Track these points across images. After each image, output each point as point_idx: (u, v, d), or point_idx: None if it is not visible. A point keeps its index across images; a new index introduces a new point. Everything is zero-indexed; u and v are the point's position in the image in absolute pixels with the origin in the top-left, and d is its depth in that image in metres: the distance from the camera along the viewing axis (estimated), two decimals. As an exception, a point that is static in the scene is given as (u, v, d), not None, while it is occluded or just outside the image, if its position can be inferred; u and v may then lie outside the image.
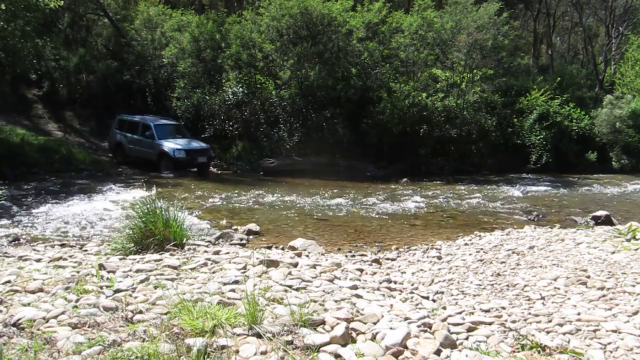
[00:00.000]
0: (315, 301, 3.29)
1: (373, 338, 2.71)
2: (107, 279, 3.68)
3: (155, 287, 3.47)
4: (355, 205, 10.53)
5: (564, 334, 2.92)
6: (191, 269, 4.07)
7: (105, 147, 20.92)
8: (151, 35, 22.37)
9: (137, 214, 4.97)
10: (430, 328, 2.92)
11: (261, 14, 19.72)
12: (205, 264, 4.23)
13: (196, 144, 15.64)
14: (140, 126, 15.76)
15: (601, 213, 7.97)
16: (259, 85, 19.33)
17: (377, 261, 5.07)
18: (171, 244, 4.86)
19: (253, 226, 7.41)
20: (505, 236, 6.71)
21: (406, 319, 3.10)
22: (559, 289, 3.84)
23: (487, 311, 3.43)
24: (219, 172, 18.59)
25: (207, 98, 19.66)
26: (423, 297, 3.79)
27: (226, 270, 4.06)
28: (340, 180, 15.21)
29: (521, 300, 3.65)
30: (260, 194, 12.01)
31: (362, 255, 5.58)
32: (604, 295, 3.61)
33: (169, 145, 14.84)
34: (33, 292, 3.32)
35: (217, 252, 4.83)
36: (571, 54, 41.12)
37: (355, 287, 3.80)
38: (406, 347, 2.58)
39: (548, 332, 2.97)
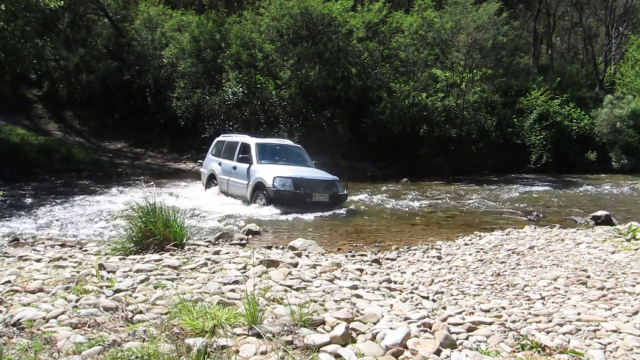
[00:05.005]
0: (315, 301, 3.29)
1: (373, 338, 2.71)
2: (107, 279, 3.68)
3: (155, 287, 3.47)
4: (355, 205, 10.53)
5: (564, 334, 2.92)
6: (191, 269, 4.07)
7: (105, 147, 20.99)
8: (151, 35, 22.40)
9: (137, 214, 4.97)
10: (430, 328, 2.92)
11: (261, 14, 19.74)
12: (205, 264, 4.23)
13: (316, 174, 10.17)
14: (239, 148, 10.73)
15: (601, 213, 7.97)
16: (259, 85, 19.34)
17: (377, 261, 5.07)
18: (171, 244, 4.86)
19: (253, 226, 7.41)
20: (505, 236, 6.70)
21: (406, 319, 3.10)
22: (559, 289, 3.84)
23: (487, 311, 3.43)
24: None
25: (207, 98, 19.68)
26: (423, 297, 3.79)
27: (226, 270, 4.06)
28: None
29: (521, 300, 3.65)
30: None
31: (362, 255, 5.58)
32: (604, 295, 3.61)
33: (269, 171, 9.60)
34: (33, 292, 3.32)
35: (217, 252, 4.83)
36: (571, 54, 41.13)
37: (355, 287, 3.80)
38: (406, 347, 2.58)
39: (548, 332, 2.97)
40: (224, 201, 10.33)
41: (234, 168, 10.49)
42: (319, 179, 9.90)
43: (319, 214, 9.16)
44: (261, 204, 9.52)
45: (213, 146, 12.00)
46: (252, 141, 10.62)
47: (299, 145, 11.88)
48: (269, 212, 9.12)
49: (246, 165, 10.06)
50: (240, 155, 10.34)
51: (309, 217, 8.94)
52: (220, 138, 12.03)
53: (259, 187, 9.59)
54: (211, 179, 11.55)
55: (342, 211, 9.66)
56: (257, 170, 9.80)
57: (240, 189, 10.19)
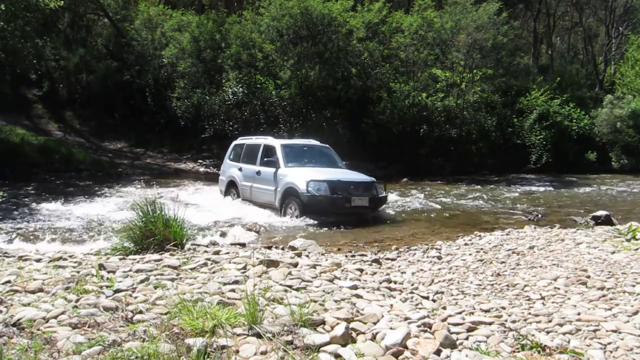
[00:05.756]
0: (315, 301, 3.29)
1: (373, 338, 2.71)
2: (107, 279, 3.68)
3: (155, 287, 3.47)
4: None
5: (564, 334, 2.92)
6: (191, 269, 4.07)
7: (105, 147, 21.00)
8: (151, 35, 22.40)
9: (137, 214, 4.97)
10: (430, 328, 2.92)
11: (261, 14, 19.74)
12: (205, 264, 4.23)
13: (352, 176, 9.14)
14: (262, 150, 9.80)
15: (601, 213, 7.96)
16: (259, 85, 19.34)
17: (377, 261, 5.07)
18: (171, 244, 4.86)
19: (253, 226, 7.41)
20: (505, 236, 6.70)
21: (406, 319, 3.10)
22: (559, 289, 3.84)
23: (487, 311, 3.43)
24: (219, 172, 18.61)
25: (207, 98, 19.68)
26: (423, 297, 3.79)
27: (226, 270, 4.07)
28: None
29: (521, 300, 3.65)
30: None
31: (362, 255, 5.58)
32: (604, 295, 3.61)
33: (301, 175, 8.66)
34: (33, 292, 3.32)
35: (217, 252, 4.83)
36: (571, 54, 41.13)
37: (355, 287, 3.80)
38: (406, 347, 2.58)
39: (548, 332, 2.97)
40: (246, 211, 9.29)
41: (258, 173, 9.57)
42: (357, 181, 8.83)
43: (357, 220, 8.37)
44: (293, 214, 8.52)
45: (231, 150, 11.02)
46: (276, 143, 9.64)
47: (327, 146, 10.82)
48: (302, 223, 8.19)
49: (272, 170, 9.12)
50: (265, 159, 9.38)
51: (352, 226, 8.05)
52: (239, 141, 11.04)
53: (290, 193, 8.58)
54: (231, 186, 10.54)
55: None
56: (287, 174, 8.78)
57: (266, 196, 9.24)
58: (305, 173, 8.70)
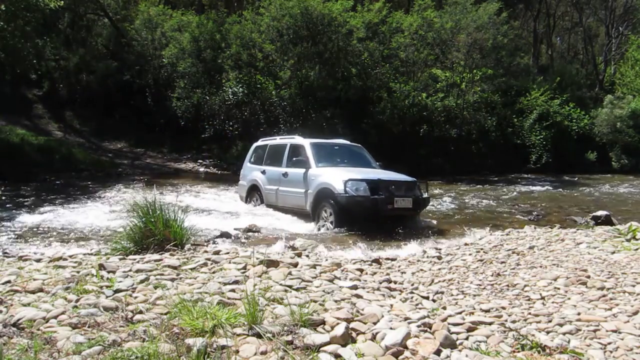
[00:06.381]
0: (315, 301, 3.29)
1: (373, 338, 2.71)
2: (107, 279, 3.68)
3: (155, 287, 3.47)
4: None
5: (564, 334, 2.92)
6: (191, 269, 4.07)
7: (105, 147, 21.00)
8: (151, 35, 22.41)
9: (137, 214, 4.97)
10: (430, 328, 2.92)
11: (261, 14, 19.75)
12: (205, 264, 4.23)
13: (392, 175, 8.27)
14: (288, 150, 9.06)
15: (601, 213, 7.96)
16: (259, 85, 19.36)
17: (377, 261, 5.07)
18: (171, 244, 4.85)
19: (253, 226, 7.41)
20: (505, 236, 6.70)
21: (406, 319, 3.10)
22: (559, 289, 3.84)
23: (487, 311, 3.43)
24: (219, 172, 18.61)
25: (207, 98, 19.69)
26: (423, 297, 3.79)
27: (226, 270, 4.07)
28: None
29: (521, 300, 3.65)
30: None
31: (362, 254, 5.57)
32: (604, 295, 3.61)
33: (336, 174, 7.76)
34: (33, 292, 3.32)
35: (217, 252, 4.83)
36: (571, 54, 41.15)
37: (355, 287, 3.80)
38: (406, 347, 2.58)
39: (548, 332, 2.97)
40: (272, 219, 8.37)
41: (284, 175, 8.75)
42: (399, 180, 7.93)
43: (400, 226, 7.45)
44: (327, 218, 7.56)
45: (252, 153, 10.27)
46: (305, 142, 8.84)
47: (359, 145, 10.15)
48: (337, 231, 7.21)
49: (301, 171, 8.28)
50: (293, 159, 8.60)
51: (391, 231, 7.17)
52: (260, 142, 10.29)
53: (324, 194, 7.65)
54: (253, 191, 9.68)
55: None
56: (320, 174, 7.93)
57: (296, 199, 8.38)
58: (341, 172, 7.85)
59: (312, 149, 8.55)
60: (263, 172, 9.45)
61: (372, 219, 7.42)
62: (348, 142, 10.03)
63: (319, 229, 7.56)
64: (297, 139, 9.20)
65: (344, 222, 7.28)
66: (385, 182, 7.66)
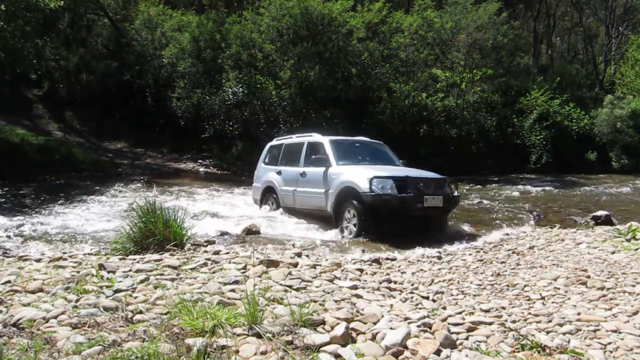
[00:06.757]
0: (315, 301, 3.29)
1: (373, 338, 2.71)
2: (107, 279, 3.68)
3: (155, 287, 3.47)
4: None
5: (564, 334, 2.92)
6: (191, 269, 4.07)
7: (105, 147, 21.00)
8: (151, 35, 22.41)
9: (137, 214, 4.97)
10: (430, 328, 2.92)
11: (261, 14, 19.76)
12: (205, 264, 4.24)
13: (419, 173, 7.68)
14: (305, 149, 8.55)
15: (601, 213, 7.95)
16: (259, 85, 19.36)
17: (377, 261, 5.07)
18: (171, 244, 4.85)
19: (253, 226, 7.41)
20: (505, 236, 6.71)
21: (406, 319, 3.10)
22: (559, 289, 3.84)
23: (487, 311, 3.43)
24: (219, 172, 18.61)
25: (207, 98, 19.70)
26: (423, 297, 3.79)
27: (226, 270, 4.07)
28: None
29: (521, 300, 3.65)
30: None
31: (362, 254, 5.57)
32: (604, 295, 3.61)
33: (360, 172, 7.22)
34: (33, 292, 3.32)
35: (217, 252, 4.83)
36: (571, 54, 41.15)
37: (355, 287, 3.80)
38: (406, 347, 2.58)
39: (548, 332, 2.97)
40: (290, 227, 7.74)
41: (302, 175, 8.21)
42: (427, 177, 7.38)
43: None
44: (350, 220, 6.99)
45: (266, 153, 9.79)
46: (324, 139, 8.32)
47: (381, 142, 9.65)
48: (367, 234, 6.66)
49: (320, 170, 7.77)
50: (312, 157, 8.06)
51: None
52: (275, 142, 9.82)
53: (347, 194, 7.09)
54: (269, 193, 9.17)
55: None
56: (342, 172, 7.41)
57: (315, 200, 7.83)
58: (365, 170, 7.26)
59: (331, 146, 8.04)
60: (279, 172, 8.95)
61: (400, 219, 7.02)
62: (369, 139, 9.51)
63: (342, 233, 7.03)
64: (315, 137, 8.66)
65: (369, 223, 6.72)
66: (414, 179, 7.08)
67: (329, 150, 7.93)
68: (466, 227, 8.03)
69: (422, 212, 6.95)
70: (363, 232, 6.70)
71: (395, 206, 6.71)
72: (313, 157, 8.05)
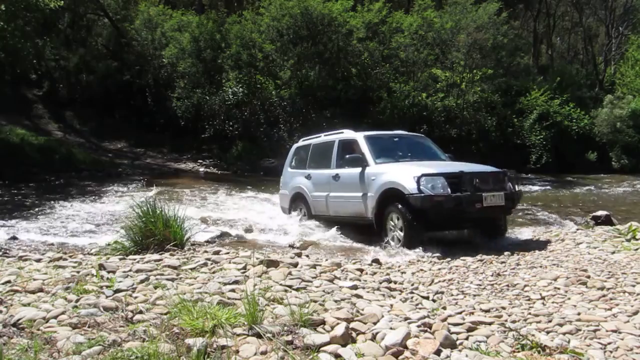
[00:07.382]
0: (315, 301, 3.29)
1: (373, 338, 2.71)
2: (107, 279, 3.68)
3: (155, 287, 3.47)
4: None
5: (564, 334, 2.92)
6: (191, 269, 4.07)
7: (105, 147, 21.00)
8: (151, 35, 22.41)
9: (137, 214, 4.97)
10: (430, 328, 2.92)
11: (261, 14, 19.75)
12: (205, 264, 4.24)
13: (472, 167, 6.69)
14: (337, 148, 7.47)
15: (601, 213, 7.95)
16: (259, 85, 19.36)
17: (377, 261, 5.07)
18: (171, 244, 4.86)
19: (253, 226, 7.41)
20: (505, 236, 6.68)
21: (406, 319, 3.10)
22: (559, 289, 3.84)
23: (487, 311, 3.42)
24: (219, 172, 18.60)
25: (207, 98, 19.69)
26: (423, 297, 3.79)
27: (226, 270, 4.07)
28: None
29: (521, 300, 3.65)
30: (259, 193, 12.00)
31: (362, 255, 5.57)
32: (604, 295, 3.61)
33: (404, 170, 6.22)
34: (33, 292, 3.32)
35: (217, 252, 4.83)
36: (571, 54, 41.13)
37: (355, 287, 3.80)
38: (406, 347, 2.58)
39: (548, 332, 2.97)
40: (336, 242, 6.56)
41: (335, 177, 7.17)
42: (484, 172, 6.36)
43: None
44: (396, 227, 5.98)
45: (292, 156, 8.72)
46: (357, 135, 7.24)
47: (422, 135, 8.68)
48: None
49: (356, 170, 6.73)
50: (345, 157, 6.96)
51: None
52: (301, 143, 8.76)
53: (391, 196, 6.04)
54: (298, 201, 8.13)
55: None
56: (382, 171, 6.36)
57: (352, 206, 6.83)
58: (410, 167, 6.24)
59: (367, 142, 6.96)
60: (308, 176, 7.88)
61: (455, 224, 6.20)
62: (408, 133, 8.41)
63: (385, 243, 6.06)
64: (348, 133, 7.57)
65: (418, 230, 5.77)
66: (469, 174, 6.00)
67: (364, 147, 6.88)
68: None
69: (481, 213, 5.91)
70: (411, 241, 5.72)
71: (449, 208, 5.71)
72: (347, 156, 6.96)
